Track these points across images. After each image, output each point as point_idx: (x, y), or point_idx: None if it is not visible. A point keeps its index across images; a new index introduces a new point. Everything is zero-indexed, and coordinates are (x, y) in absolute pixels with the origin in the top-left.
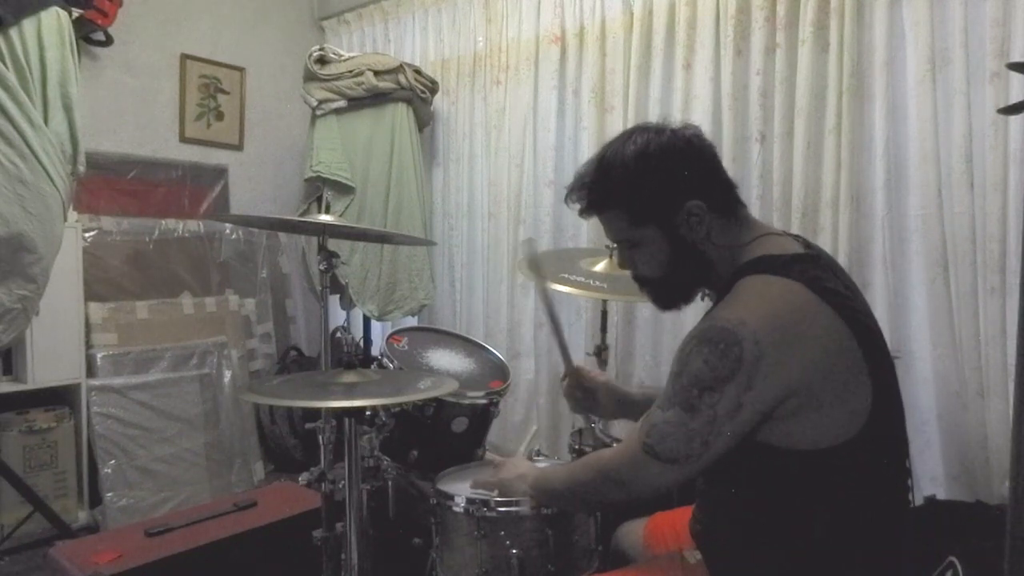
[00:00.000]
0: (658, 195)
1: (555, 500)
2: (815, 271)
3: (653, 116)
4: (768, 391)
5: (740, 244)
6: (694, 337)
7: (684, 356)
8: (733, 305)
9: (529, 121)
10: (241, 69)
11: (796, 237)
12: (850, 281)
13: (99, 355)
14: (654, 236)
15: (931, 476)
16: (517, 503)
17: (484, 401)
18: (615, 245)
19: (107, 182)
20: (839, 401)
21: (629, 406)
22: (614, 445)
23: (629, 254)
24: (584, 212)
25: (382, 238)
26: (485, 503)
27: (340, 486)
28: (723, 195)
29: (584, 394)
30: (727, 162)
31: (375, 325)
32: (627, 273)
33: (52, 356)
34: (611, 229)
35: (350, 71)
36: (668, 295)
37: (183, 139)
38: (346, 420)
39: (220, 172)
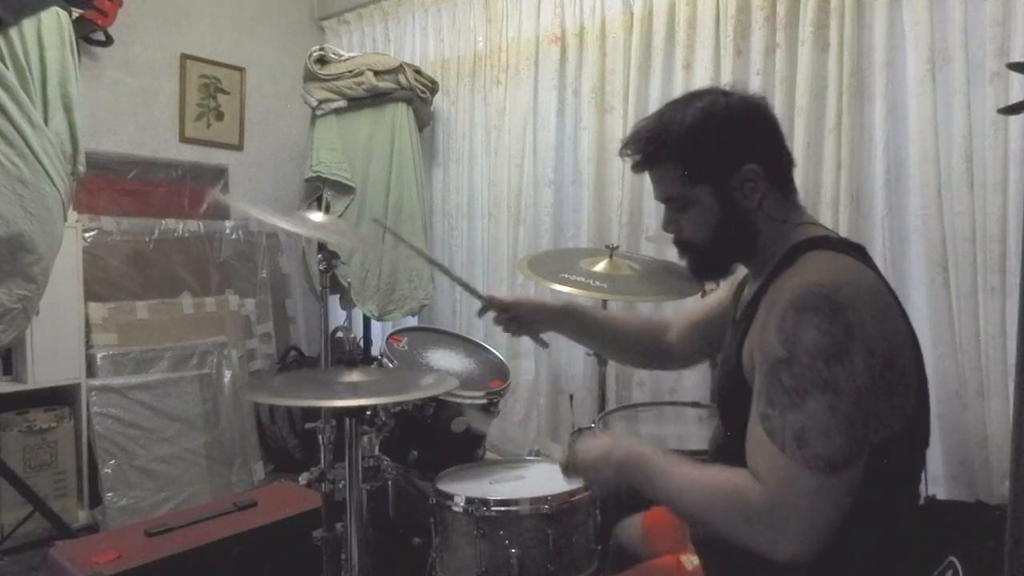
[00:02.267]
0: (717, 153)
1: (660, 501)
2: (872, 262)
3: None
4: (881, 364)
5: (791, 222)
6: (789, 308)
7: (787, 332)
8: (813, 271)
9: (529, 121)
10: (241, 69)
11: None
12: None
13: (99, 355)
14: (706, 197)
15: (931, 476)
16: (516, 502)
17: (484, 401)
18: (663, 204)
19: (107, 182)
20: (898, 393)
21: (554, 314)
22: (744, 480)
23: (676, 216)
24: (638, 166)
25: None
26: (484, 503)
27: (340, 486)
28: (782, 166)
29: (511, 317)
30: None
31: (375, 325)
32: (627, 273)
33: (52, 356)
34: (662, 186)
35: (350, 71)
36: (709, 264)
37: (183, 139)
38: (346, 420)
39: (220, 172)
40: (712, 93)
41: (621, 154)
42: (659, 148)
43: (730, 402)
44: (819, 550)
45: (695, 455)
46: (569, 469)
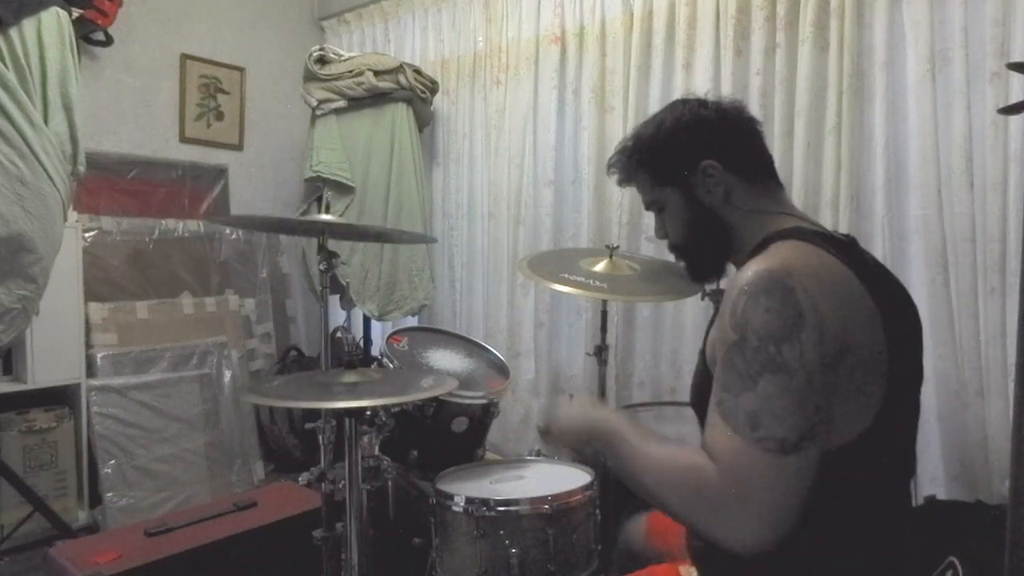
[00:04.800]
0: (674, 154)
1: (622, 474)
2: (856, 252)
3: None
4: (833, 349)
5: (767, 211)
6: (741, 293)
7: (738, 316)
8: (770, 257)
9: (529, 121)
10: (241, 69)
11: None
12: (892, 276)
13: (99, 355)
14: (674, 197)
15: (931, 476)
16: (516, 502)
17: (484, 401)
18: (650, 211)
19: (107, 182)
20: (858, 391)
21: None
22: (702, 460)
23: (659, 220)
24: (620, 181)
25: (379, 237)
26: (485, 503)
27: (340, 486)
28: (747, 160)
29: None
30: None
31: (375, 325)
32: (627, 273)
33: (52, 356)
34: (641, 193)
35: (350, 71)
36: (697, 264)
37: (183, 139)
38: (346, 420)
39: (220, 172)
40: (673, 104)
41: (608, 173)
42: (630, 160)
43: (701, 397)
44: (778, 535)
45: None
46: (547, 432)
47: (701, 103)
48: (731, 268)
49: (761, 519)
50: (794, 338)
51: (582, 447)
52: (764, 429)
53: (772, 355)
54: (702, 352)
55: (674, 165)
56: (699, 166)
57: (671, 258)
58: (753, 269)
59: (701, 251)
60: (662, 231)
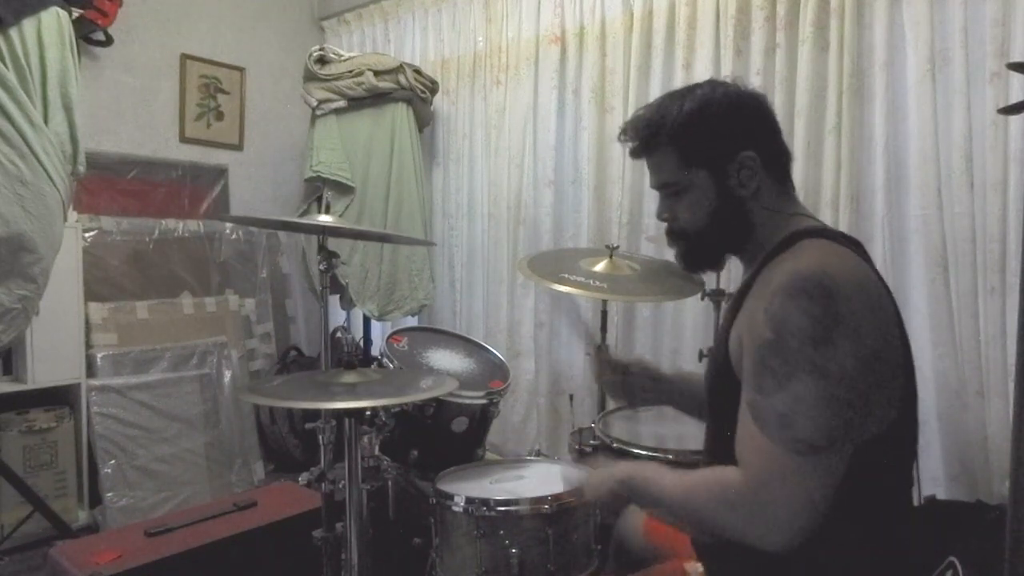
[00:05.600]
0: (714, 137)
1: (655, 510)
2: (868, 257)
3: None
4: (869, 350)
5: (785, 212)
6: (778, 292)
7: (775, 315)
8: (804, 257)
9: (529, 121)
10: (241, 69)
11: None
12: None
13: (99, 355)
14: (702, 182)
15: (931, 476)
16: (516, 502)
17: (484, 401)
18: (659, 191)
19: (107, 182)
20: (888, 385)
21: (666, 386)
22: (729, 471)
23: (671, 202)
24: (636, 151)
25: (381, 238)
26: (485, 503)
27: (340, 486)
28: (778, 158)
29: (615, 373)
30: None
31: (375, 325)
32: (627, 273)
33: (52, 356)
34: (659, 171)
35: (350, 71)
36: (700, 253)
37: (183, 139)
38: (346, 420)
39: (220, 172)
40: (711, 83)
41: (620, 139)
42: (657, 133)
43: (718, 394)
44: (805, 535)
45: (695, 455)
46: (582, 495)
47: (739, 90)
48: (732, 262)
49: (791, 519)
50: (832, 341)
51: (612, 493)
52: (794, 430)
53: (809, 356)
54: (723, 346)
55: (713, 148)
56: (738, 155)
57: (671, 258)
58: (789, 268)
59: (714, 242)
60: (668, 213)
